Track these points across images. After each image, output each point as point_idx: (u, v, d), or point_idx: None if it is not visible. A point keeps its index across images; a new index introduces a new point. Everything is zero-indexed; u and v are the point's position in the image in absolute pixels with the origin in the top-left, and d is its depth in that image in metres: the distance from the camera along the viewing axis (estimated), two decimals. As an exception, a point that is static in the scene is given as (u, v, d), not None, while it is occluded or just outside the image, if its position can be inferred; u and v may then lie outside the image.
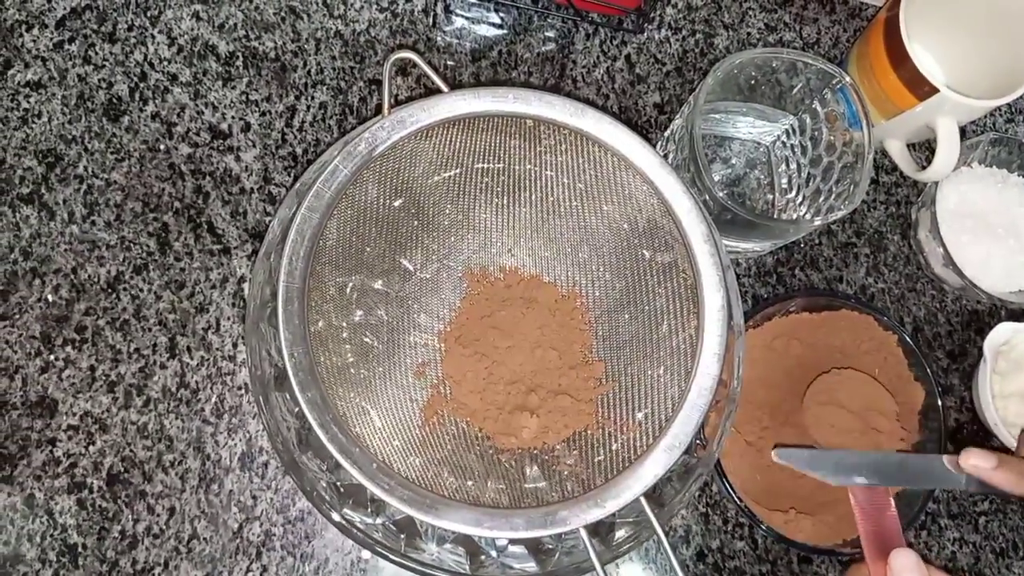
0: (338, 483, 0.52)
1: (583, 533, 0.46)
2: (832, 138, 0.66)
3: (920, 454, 0.67)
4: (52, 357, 0.60)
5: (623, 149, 0.52)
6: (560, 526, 0.46)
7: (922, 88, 0.66)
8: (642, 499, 0.47)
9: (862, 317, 0.68)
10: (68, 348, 0.60)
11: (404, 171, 0.54)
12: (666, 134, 0.69)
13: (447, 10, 0.72)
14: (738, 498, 0.62)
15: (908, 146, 0.75)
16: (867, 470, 0.60)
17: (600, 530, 0.52)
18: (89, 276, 0.62)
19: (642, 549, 0.64)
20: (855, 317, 0.68)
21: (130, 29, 0.67)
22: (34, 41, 0.65)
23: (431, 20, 0.71)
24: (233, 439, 0.61)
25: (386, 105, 0.51)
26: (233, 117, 0.67)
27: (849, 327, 0.69)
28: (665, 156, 0.67)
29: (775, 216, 0.70)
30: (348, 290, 0.55)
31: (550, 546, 0.53)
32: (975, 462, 0.52)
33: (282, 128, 0.67)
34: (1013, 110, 0.81)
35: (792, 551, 0.66)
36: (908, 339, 0.68)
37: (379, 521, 0.52)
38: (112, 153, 0.64)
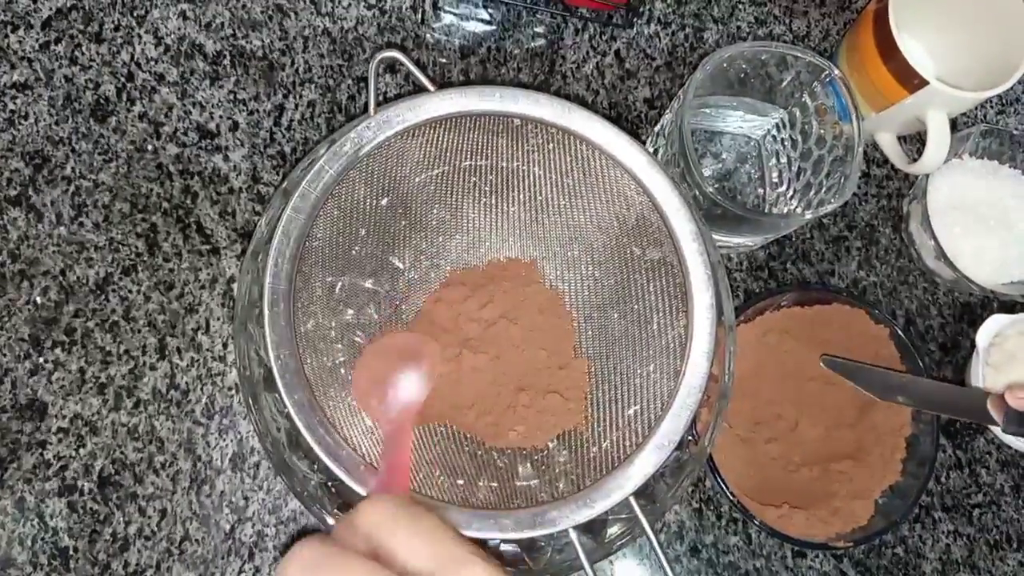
0: (329, 483, 0.52)
1: (572, 534, 0.46)
2: (822, 131, 0.66)
3: (963, 388, 0.69)
4: (41, 359, 0.60)
5: (611, 147, 0.52)
6: (549, 527, 0.46)
7: (912, 80, 0.66)
8: (631, 500, 0.46)
9: (854, 311, 0.68)
10: (57, 350, 0.60)
11: (391, 171, 0.54)
12: (656, 129, 0.69)
13: (435, 7, 0.71)
14: (731, 493, 0.62)
15: (899, 139, 0.75)
16: (908, 391, 0.64)
17: (592, 527, 0.52)
18: (78, 278, 0.62)
19: (636, 545, 0.64)
20: (847, 311, 0.68)
21: (116, 29, 0.66)
22: (20, 42, 0.65)
23: (419, 17, 0.71)
24: (224, 440, 0.61)
25: (372, 104, 0.51)
26: (221, 116, 0.66)
27: (841, 321, 0.69)
28: (655, 151, 0.67)
29: (766, 210, 0.70)
30: (337, 290, 0.55)
31: (542, 544, 0.53)
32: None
33: (270, 127, 0.67)
34: (1004, 101, 0.81)
35: (786, 546, 0.66)
36: (900, 332, 0.67)
37: (370, 521, 0.52)
38: (100, 154, 0.64)
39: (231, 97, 0.67)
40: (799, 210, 0.67)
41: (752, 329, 0.68)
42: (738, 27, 0.77)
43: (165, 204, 0.64)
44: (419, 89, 0.55)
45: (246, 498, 0.61)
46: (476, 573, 0.36)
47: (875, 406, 0.67)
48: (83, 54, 0.65)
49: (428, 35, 0.71)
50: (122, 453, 0.60)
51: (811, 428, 0.67)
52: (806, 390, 0.67)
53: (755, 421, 0.66)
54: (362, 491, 0.46)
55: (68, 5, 0.66)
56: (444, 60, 0.71)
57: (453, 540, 0.37)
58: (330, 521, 0.51)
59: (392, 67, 0.70)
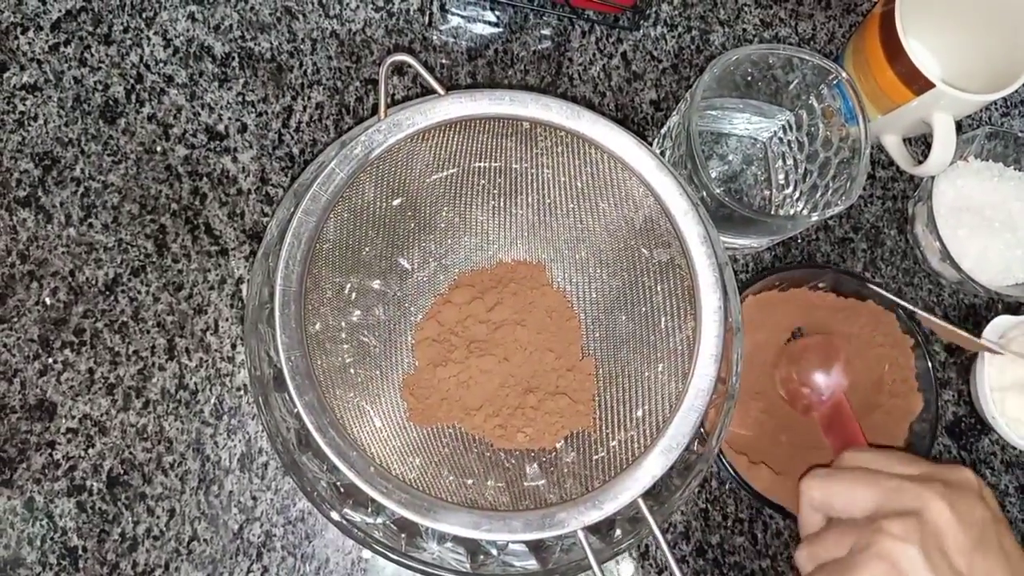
0: (338, 483, 0.52)
1: (581, 535, 0.46)
2: (828, 134, 0.66)
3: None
4: (51, 360, 0.60)
5: (619, 151, 0.52)
6: (558, 528, 0.46)
7: (918, 83, 0.66)
8: (640, 501, 0.47)
9: (886, 313, 0.68)
10: (67, 351, 0.61)
11: (401, 173, 0.54)
12: (663, 131, 0.69)
13: (443, 9, 0.72)
14: (735, 473, 0.63)
15: (904, 141, 0.75)
16: None
17: (600, 528, 0.52)
18: (87, 279, 0.62)
19: (642, 545, 0.65)
20: (879, 312, 0.68)
21: (126, 31, 0.66)
22: (29, 44, 0.65)
23: (427, 19, 0.71)
24: (232, 440, 0.61)
25: (382, 108, 0.51)
26: (230, 118, 0.67)
27: (870, 320, 0.69)
28: (662, 153, 0.67)
29: (772, 212, 0.70)
30: (346, 290, 0.55)
31: (550, 544, 0.53)
32: None
33: (279, 129, 0.67)
34: (1009, 104, 0.81)
35: (792, 545, 0.67)
36: (923, 347, 0.67)
37: (380, 520, 0.52)
38: (109, 155, 0.64)
39: (240, 99, 0.67)
40: (805, 212, 0.67)
41: (782, 302, 0.69)
42: (744, 30, 0.77)
43: (174, 205, 0.64)
44: (427, 91, 0.55)
45: (254, 498, 0.61)
46: (966, 471, 0.50)
47: (877, 410, 0.68)
48: (92, 56, 0.66)
49: (435, 37, 0.71)
50: (131, 453, 0.60)
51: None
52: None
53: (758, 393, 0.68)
54: (370, 491, 0.46)
55: (77, 7, 0.66)
56: (451, 62, 0.71)
57: (925, 462, 0.51)
58: (335, 517, 0.51)
59: (400, 69, 0.70)
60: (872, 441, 0.67)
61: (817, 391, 0.66)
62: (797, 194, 0.69)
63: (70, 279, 0.62)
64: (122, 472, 0.60)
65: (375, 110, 0.52)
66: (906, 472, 0.49)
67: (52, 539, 0.58)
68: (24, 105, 0.64)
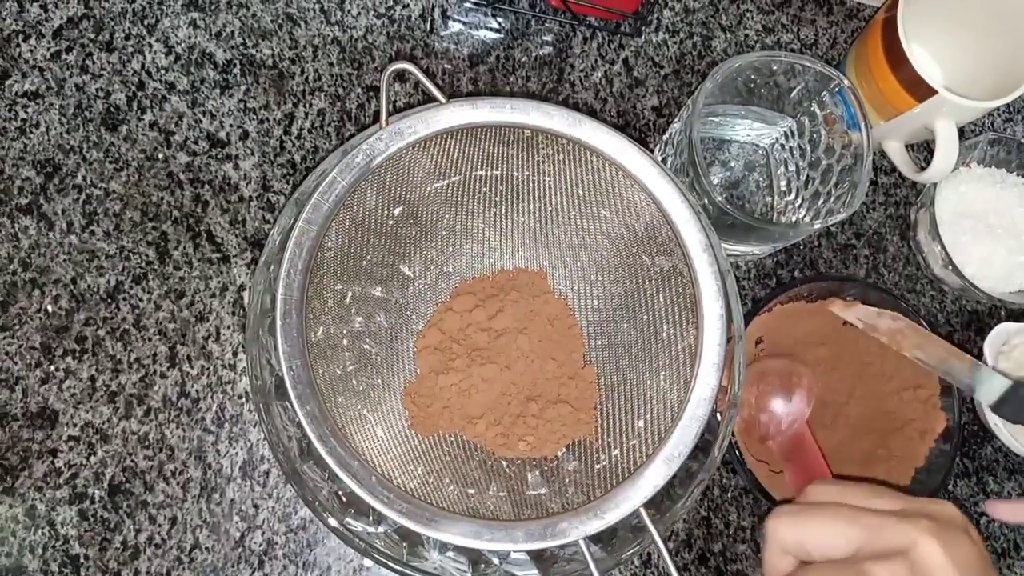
0: (339, 492, 0.52)
1: (583, 545, 0.46)
2: (831, 140, 0.66)
3: None
4: (52, 368, 0.60)
5: (621, 159, 0.52)
6: (560, 538, 0.46)
7: (920, 89, 0.66)
8: (642, 511, 0.47)
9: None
10: (68, 359, 0.61)
11: (402, 181, 0.54)
12: (664, 137, 0.69)
13: (444, 15, 0.72)
14: (748, 470, 0.63)
15: (907, 147, 0.75)
16: None
17: (602, 537, 0.52)
18: (88, 286, 0.62)
19: (644, 554, 0.65)
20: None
21: (127, 38, 0.66)
22: (31, 51, 0.65)
23: (428, 26, 0.71)
24: (234, 448, 0.61)
25: (384, 116, 0.51)
26: (231, 125, 0.66)
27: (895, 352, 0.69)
28: (664, 160, 0.67)
29: (774, 219, 0.70)
30: (348, 298, 0.55)
31: (552, 553, 0.53)
32: None
33: (280, 136, 0.67)
34: (1012, 110, 0.81)
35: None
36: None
37: (381, 530, 0.52)
38: (110, 162, 0.64)
39: (241, 106, 0.67)
40: (807, 219, 0.67)
41: (811, 313, 0.68)
42: (746, 35, 0.77)
43: (176, 212, 0.64)
44: (428, 97, 0.55)
45: (256, 506, 0.61)
46: (950, 506, 0.45)
47: (897, 434, 0.67)
48: (94, 63, 0.66)
49: (437, 44, 0.71)
50: (132, 461, 0.60)
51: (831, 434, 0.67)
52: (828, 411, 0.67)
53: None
54: (372, 501, 0.46)
55: (79, 14, 0.66)
56: (452, 68, 0.71)
57: (899, 494, 0.47)
58: (337, 527, 0.51)
59: (401, 76, 0.70)
60: (893, 460, 0.67)
61: (776, 420, 0.64)
62: (799, 201, 0.69)
63: (72, 287, 0.62)
64: (124, 480, 0.60)
65: (376, 118, 0.52)
66: (886, 507, 0.45)
67: (54, 547, 0.58)
68: (26, 112, 0.64)
